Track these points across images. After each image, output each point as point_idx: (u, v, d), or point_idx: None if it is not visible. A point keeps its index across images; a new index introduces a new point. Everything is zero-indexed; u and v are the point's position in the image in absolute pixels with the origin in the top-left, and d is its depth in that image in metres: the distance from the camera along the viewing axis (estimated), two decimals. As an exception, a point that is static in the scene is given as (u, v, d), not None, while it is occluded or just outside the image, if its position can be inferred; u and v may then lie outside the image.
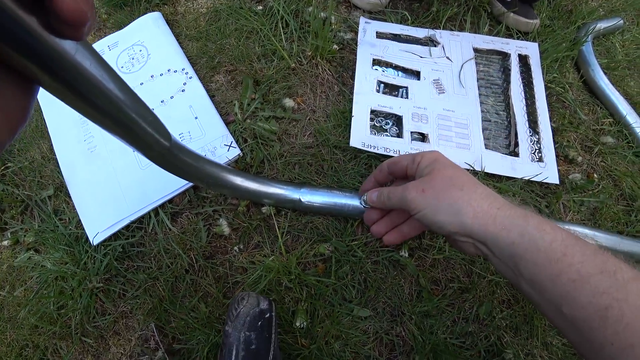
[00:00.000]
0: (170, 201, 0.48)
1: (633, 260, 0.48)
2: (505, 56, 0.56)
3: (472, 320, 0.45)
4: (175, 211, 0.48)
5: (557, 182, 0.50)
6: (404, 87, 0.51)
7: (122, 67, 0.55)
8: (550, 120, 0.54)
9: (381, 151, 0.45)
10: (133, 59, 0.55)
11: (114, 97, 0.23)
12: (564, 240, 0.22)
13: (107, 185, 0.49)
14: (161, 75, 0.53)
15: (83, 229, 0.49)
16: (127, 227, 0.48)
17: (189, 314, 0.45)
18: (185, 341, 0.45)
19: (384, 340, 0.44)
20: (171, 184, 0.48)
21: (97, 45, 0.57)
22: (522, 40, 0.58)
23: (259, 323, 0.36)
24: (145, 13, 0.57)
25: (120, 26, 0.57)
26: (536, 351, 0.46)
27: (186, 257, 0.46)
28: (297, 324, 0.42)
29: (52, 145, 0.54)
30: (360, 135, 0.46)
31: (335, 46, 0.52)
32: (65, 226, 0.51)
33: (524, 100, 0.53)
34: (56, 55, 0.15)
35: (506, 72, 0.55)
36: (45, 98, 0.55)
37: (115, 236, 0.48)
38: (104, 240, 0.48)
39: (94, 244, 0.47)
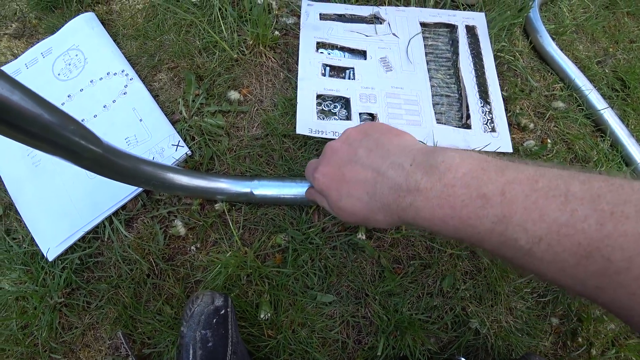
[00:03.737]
0: (123, 207, 0.47)
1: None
2: (452, 28, 0.55)
3: (436, 295, 0.46)
4: (129, 217, 0.47)
5: (511, 150, 0.51)
6: (351, 68, 0.50)
7: (59, 74, 0.52)
8: (501, 90, 0.54)
9: (329, 135, 0.45)
10: (69, 64, 0.53)
11: (19, 108, 0.22)
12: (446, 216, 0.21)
13: (56, 198, 0.48)
14: (101, 79, 0.51)
15: (37, 246, 0.47)
16: (82, 238, 0.47)
17: (154, 318, 0.45)
18: (154, 345, 0.45)
19: (350, 323, 0.44)
20: (122, 191, 0.46)
21: (30, 53, 0.54)
22: (468, 11, 0.57)
23: (214, 320, 0.36)
24: (77, 14, 0.54)
25: (52, 30, 0.55)
26: (501, 317, 0.47)
27: (145, 262, 0.45)
28: (262, 315, 0.42)
29: (-5, 163, 0.52)
30: (307, 122, 0.45)
31: (276, 32, 0.50)
32: (19, 245, 0.49)
33: (473, 71, 0.53)
34: None
35: (454, 44, 0.54)
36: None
37: (71, 249, 0.47)
38: (60, 255, 0.47)
39: (50, 259, 0.46)
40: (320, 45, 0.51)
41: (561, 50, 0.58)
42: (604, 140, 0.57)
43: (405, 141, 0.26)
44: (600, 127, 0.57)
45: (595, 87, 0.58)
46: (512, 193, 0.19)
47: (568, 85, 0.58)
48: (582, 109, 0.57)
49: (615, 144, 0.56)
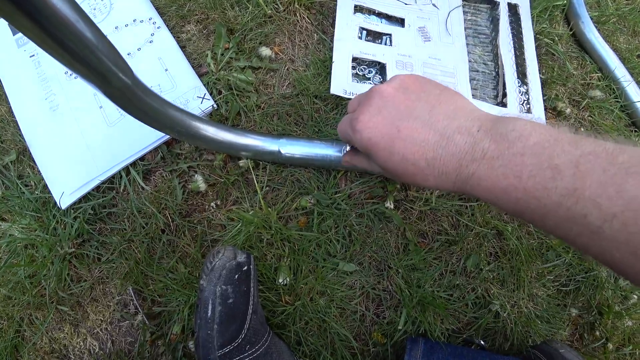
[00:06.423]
0: (141, 159, 0.45)
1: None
2: (494, 5, 0.53)
3: (459, 273, 0.44)
4: (147, 169, 0.45)
5: (545, 133, 0.49)
6: (388, 34, 0.48)
7: (83, 18, 0.50)
8: (539, 72, 0.52)
9: (364, 99, 0.43)
10: (94, 9, 0.50)
11: (58, 13, 0.20)
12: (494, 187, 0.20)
13: (72, 145, 0.46)
14: (126, 26, 0.49)
15: (50, 193, 0.46)
16: (97, 188, 0.46)
17: (167, 276, 0.43)
18: (165, 303, 0.43)
19: (370, 295, 0.43)
20: (142, 140, 0.45)
21: (54, -6, 0.52)
22: (511, -12, 0.55)
23: (236, 276, 0.35)
24: (106, -42, 0.52)
25: (79, -27, 0.52)
26: (522, 302, 0.46)
27: (161, 216, 0.44)
28: (280, 280, 0.41)
29: (10, 107, 0.50)
30: (342, 82, 0.43)
31: (314, -9, 0.48)
32: (31, 191, 0.47)
33: (512, 50, 0.51)
34: None
35: (495, 21, 0.52)
36: (-1, 54, 0.50)
37: (85, 198, 0.46)
38: (74, 204, 0.45)
39: (62, 207, 0.44)
40: (358, 8, 0.49)
41: (603, 38, 0.56)
42: (637, 134, 0.55)
43: (467, 103, 0.23)
44: (634, 121, 0.56)
45: (634, 79, 0.56)
46: (587, 166, 0.17)
47: (606, 75, 0.56)
48: (619, 101, 0.55)
49: (649, 140, 0.55)
